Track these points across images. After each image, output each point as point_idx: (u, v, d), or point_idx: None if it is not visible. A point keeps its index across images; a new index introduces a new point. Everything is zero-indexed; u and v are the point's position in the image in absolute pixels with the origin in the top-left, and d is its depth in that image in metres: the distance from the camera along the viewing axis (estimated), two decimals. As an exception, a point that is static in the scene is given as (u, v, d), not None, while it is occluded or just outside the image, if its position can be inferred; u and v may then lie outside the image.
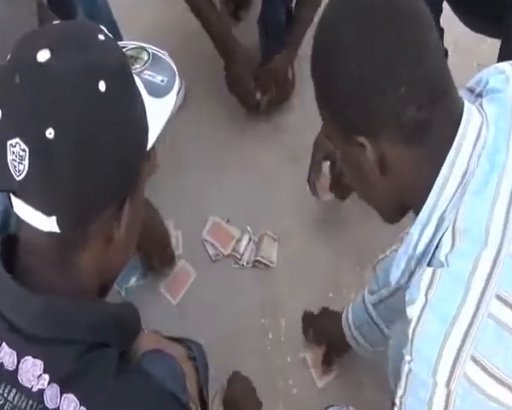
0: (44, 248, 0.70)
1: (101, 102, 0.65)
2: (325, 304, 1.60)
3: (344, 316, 1.35)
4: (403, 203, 0.86)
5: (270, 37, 1.80)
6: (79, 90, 0.64)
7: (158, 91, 0.73)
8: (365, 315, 1.29)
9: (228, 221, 1.81)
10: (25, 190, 0.66)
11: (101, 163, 0.66)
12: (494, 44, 1.39)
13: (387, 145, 0.77)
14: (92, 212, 0.68)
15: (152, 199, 1.65)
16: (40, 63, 0.64)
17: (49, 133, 0.63)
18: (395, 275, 0.83)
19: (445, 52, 1.26)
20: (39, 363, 0.67)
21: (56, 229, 0.67)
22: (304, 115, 1.91)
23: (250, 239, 1.77)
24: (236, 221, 1.81)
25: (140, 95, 0.71)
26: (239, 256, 1.74)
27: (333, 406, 1.37)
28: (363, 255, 1.70)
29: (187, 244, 1.77)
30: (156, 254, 1.61)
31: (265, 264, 1.73)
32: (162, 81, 0.73)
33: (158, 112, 0.71)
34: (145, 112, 0.71)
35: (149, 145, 0.72)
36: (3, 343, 0.68)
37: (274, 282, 1.71)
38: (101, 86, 0.65)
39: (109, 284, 0.80)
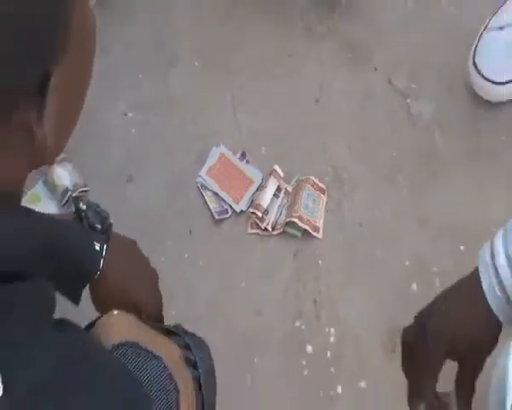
0: None
1: None
2: (404, 305, 1.27)
3: (485, 247, 0.98)
4: None
5: None
6: None
7: None
8: None
9: (243, 156, 1.45)
10: None
11: None
12: None
13: None
14: None
15: (116, 119, 1.44)
16: None
17: None
18: None
19: None
20: None
21: None
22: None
23: (279, 188, 1.40)
24: (257, 157, 1.45)
25: None
26: (260, 215, 1.37)
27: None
28: (468, 231, 1.33)
29: (172, 192, 1.45)
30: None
31: (305, 230, 1.36)
32: None
33: None
34: None
35: None
36: None
37: (317, 261, 1.38)
38: None
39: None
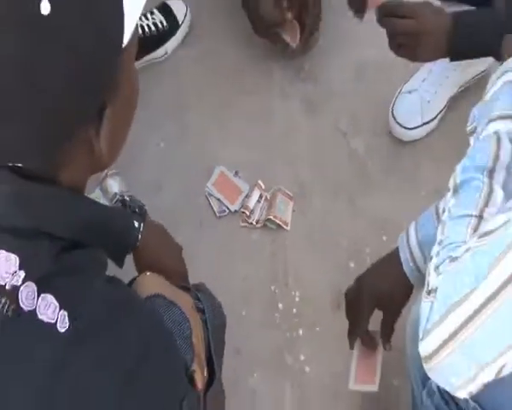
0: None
1: None
2: (345, 276, 1.24)
3: (403, 235, 0.94)
4: None
5: None
6: None
7: None
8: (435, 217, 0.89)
9: (236, 173, 1.43)
10: None
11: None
12: None
13: None
14: (63, 136, 0.52)
15: (151, 147, 1.43)
16: None
17: None
18: None
19: None
20: (14, 258, 0.51)
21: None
22: (330, 57, 1.51)
23: (261, 195, 1.39)
24: (246, 174, 1.43)
25: None
26: (248, 213, 1.36)
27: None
28: (389, 226, 1.32)
29: (188, 197, 1.42)
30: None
31: (278, 224, 1.35)
32: None
33: None
34: None
35: (126, 37, 0.52)
36: None
37: (287, 246, 1.36)
38: None
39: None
